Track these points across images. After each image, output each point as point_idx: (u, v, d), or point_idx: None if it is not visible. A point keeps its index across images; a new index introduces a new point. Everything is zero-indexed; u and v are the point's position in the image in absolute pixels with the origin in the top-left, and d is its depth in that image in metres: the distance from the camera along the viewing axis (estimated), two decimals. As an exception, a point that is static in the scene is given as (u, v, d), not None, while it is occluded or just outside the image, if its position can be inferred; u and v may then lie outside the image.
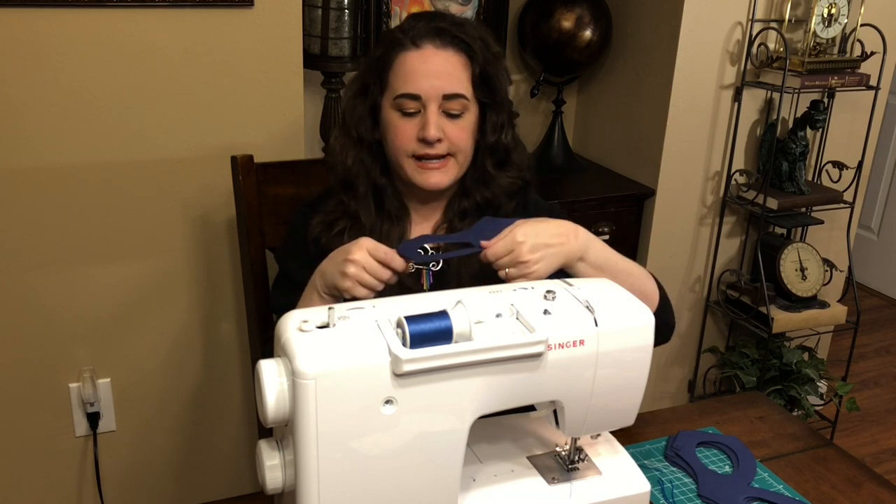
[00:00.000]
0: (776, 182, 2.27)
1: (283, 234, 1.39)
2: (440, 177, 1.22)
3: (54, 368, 1.83)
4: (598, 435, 1.05)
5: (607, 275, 1.10)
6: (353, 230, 1.24)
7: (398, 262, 1.06)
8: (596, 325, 0.90)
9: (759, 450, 1.21)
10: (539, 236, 1.06)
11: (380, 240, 1.21)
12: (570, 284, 0.97)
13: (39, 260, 1.74)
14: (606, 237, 2.24)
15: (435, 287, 1.23)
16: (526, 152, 1.32)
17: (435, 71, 1.18)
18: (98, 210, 1.75)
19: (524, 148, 1.32)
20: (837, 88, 2.17)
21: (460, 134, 1.21)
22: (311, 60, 1.91)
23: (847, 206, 2.32)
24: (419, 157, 1.21)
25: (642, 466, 1.05)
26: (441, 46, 1.19)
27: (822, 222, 2.33)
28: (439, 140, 1.19)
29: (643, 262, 2.31)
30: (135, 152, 1.74)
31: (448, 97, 1.19)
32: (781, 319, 2.23)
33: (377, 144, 1.26)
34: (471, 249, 1.09)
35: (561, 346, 0.89)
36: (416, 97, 1.18)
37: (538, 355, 0.87)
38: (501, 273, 1.06)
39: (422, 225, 1.31)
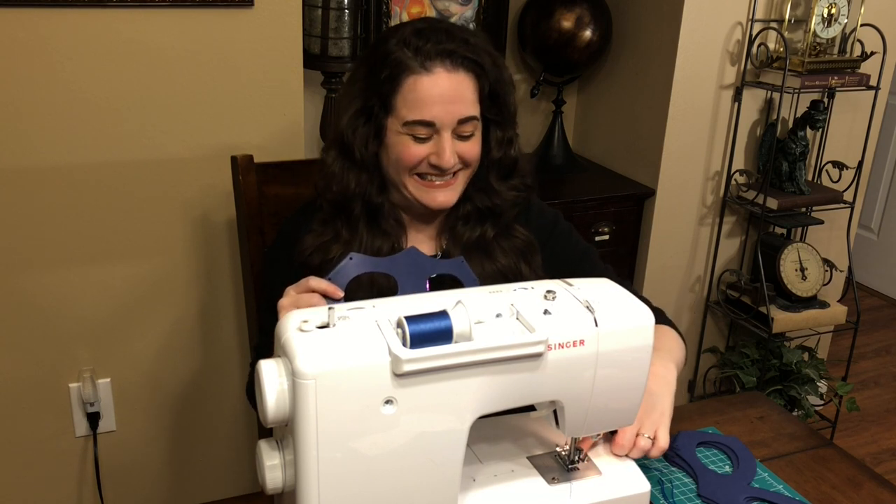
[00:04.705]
0: (776, 182, 2.27)
1: (268, 252, 1.34)
2: (448, 195, 1.20)
3: (54, 368, 1.83)
4: (599, 435, 1.05)
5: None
6: (343, 256, 1.19)
7: (337, 292, 1.02)
8: (596, 325, 0.90)
9: (759, 450, 1.21)
10: (666, 416, 1.08)
11: (371, 255, 1.18)
12: (570, 284, 0.97)
13: (39, 260, 1.74)
14: (606, 237, 2.25)
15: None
16: (526, 160, 1.29)
17: (448, 96, 1.14)
18: (98, 210, 1.75)
19: (524, 155, 1.30)
20: (837, 88, 2.17)
21: (473, 150, 1.20)
22: (311, 60, 1.91)
23: (847, 206, 2.32)
24: (422, 176, 1.18)
25: (642, 466, 1.05)
26: (452, 69, 1.15)
27: (822, 222, 2.33)
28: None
29: (643, 263, 2.31)
30: (135, 152, 1.74)
31: (463, 121, 1.16)
32: (781, 319, 2.23)
33: (374, 161, 1.22)
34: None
35: (561, 346, 0.89)
36: (430, 124, 1.15)
37: (538, 355, 0.87)
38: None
39: (419, 235, 1.28)
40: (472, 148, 1.20)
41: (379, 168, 1.22)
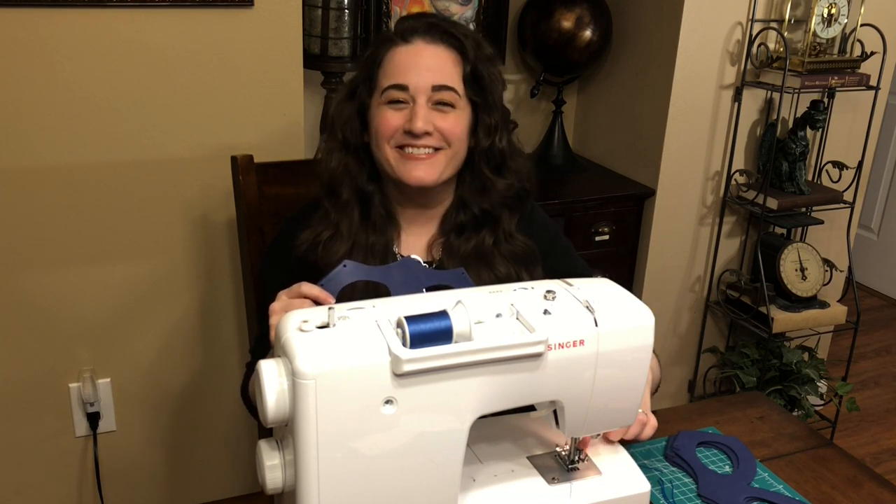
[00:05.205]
0: (776, 182, 2.27)
1: (268, 250, 1.34)
2: (426, 170, 1.18)
3: (54, 368, 1.83)
4: (599, 435, 1.05)
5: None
6: (332, 241, 1.19)
7: (329, 298, 1.01)
8: (596, 325, 0.90)
9: (759, 450, 1.21)
10: (649, 405, 1.12)
11: (363, 251, 1.18)
12: (570, 284, 0.97)
13: (39, 260, 1.74)
14: (606, 237, 2.25)
15: None
16: (526, 161, 1.28)
17: (425, 64, 1.17)
18: (98, 210, 1.75)
19: (524, 156, 1.28)
20: (837, 88, 2.17)
21: (454, 126, 1.18)
22: (311, 60, 1.91)
23: (847, 206, 2.32)
24: (403, 148, 1.18)
25: (642, 466, 1.05)
26: (431, 41, 1.18)
27: (822, 222, 2.33)
28: (427, 134, 1.16)
29: (643, 262, 2.31)
30: (135, 152, 1.74)
31: (437, 88, 1.17)
32: (781, 319, 2.23)
33: (364, 149, 1.23)
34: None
35: (561, 346, 0.89)
36: (403, 87, 1.16)
37: (538, 355, 0.87)
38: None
39: (413, 238, 1.27)
40: (453, 123, 1.18)
41: (369, 155, 1.23)
